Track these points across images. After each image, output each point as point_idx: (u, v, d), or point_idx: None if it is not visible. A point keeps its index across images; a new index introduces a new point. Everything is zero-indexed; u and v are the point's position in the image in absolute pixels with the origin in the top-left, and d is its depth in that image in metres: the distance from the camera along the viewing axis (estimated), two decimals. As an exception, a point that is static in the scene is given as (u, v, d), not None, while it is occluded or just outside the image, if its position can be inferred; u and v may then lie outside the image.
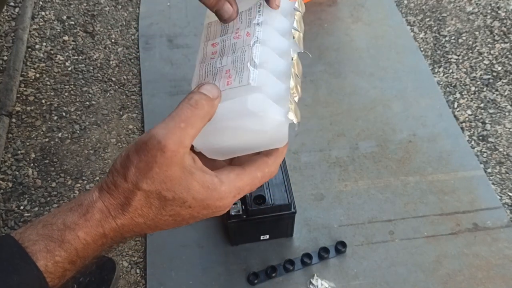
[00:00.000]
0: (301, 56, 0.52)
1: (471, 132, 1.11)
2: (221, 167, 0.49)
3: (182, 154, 0.43)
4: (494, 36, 1.29)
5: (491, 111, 1.14)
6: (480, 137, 1.10)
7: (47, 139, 1.09)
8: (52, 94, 1.17)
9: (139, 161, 0.43)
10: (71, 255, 0.44)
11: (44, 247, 0.43)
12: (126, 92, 1.18)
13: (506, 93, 1.17)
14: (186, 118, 0.43)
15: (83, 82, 1.19)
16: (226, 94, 0.46)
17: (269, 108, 0.45)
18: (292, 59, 0.49)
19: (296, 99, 0.48)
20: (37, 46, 1.26)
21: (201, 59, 0.51)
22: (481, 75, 1.21)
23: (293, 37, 0.51)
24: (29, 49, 1.25)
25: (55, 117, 1.13)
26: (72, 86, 1.18)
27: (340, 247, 0.91)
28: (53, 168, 1.04)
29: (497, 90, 1.18)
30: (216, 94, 0.45)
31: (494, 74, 1.21)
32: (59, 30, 1.30)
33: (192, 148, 0.46)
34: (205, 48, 0.52)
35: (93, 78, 1.20)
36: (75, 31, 1.30)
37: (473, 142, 1.09)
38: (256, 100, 0.45)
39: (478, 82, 1.20)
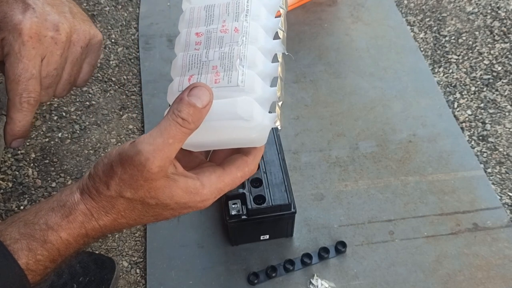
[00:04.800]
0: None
1: (471, 132, 1.11)
2: (199, 161, 0.51)
3: (167, 167, 0.44)
4: (494, 36, 1.29)
5: (491, 111, 1.14)
6: (480, 137, 1.10)
7: (47, 139, 1.09)
8: (52, 94, 1.17)
9: (124, 173, 0.43)
10: (52, 254, 0.45)
11: (26, 246, 0.43)
12: (126, 92, 1.18)
13: (506, 93, 1.17)
14: (174, 135, 0.43)
15: (83, 82, 1.19)
16: (214, 92, 0.46)
17: (257, 113, 0.46)
18: (278, 61, 0.49)
19: (280, 103, 0.48)
20: (37, 46, 1.26)
21: (183, 47, 0.50)
22: (481, 75, 1.21)
23: (279, 37, 0.50)
24: (29, 49, 1.25)
25: (55, 117, 1.13)
26: (72, 86, 1.18)
27: (340, 247, 0.91)
28: (53, 168, 1.05)
29: (497, 90, 1.18)
30: (206, 102, 0.44)
31: (494, 74, 1.21)
32: (59, 30, 1.30)
33: None
34: (189, 35, 0.51)
35: (93, 78, 1.20)
36: (75, 31, 1.30)
37: (473, 142, 1.09)
38: (245, 103, 0.45)
39: (478, 82, 1.20)
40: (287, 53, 0.51)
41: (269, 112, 0.48)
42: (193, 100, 0.44)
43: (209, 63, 0.48)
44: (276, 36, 0.51)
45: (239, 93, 0.46)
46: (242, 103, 0.45)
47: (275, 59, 0.51)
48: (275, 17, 0.53)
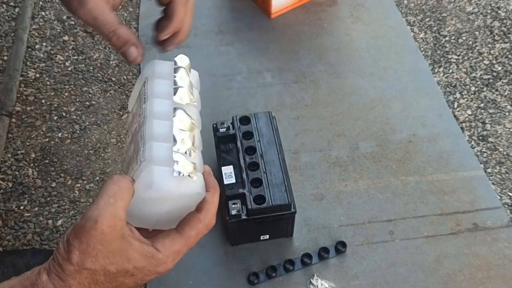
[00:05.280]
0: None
1: (471, 132, 1.11)
2: (158, 231, 0.53)
3: (120, 226, 0.46)
4: (494, 36, 1.29)
5: (491, 111, 1.14)
6: (480, 137, 1.10)
7: (47, 139, 1.09)
8: (52, 94, 1.17)
9: (81, 243, 0.45)
10: None
11: None
12: (126, 92, 1.18)
13: (506, 93, 1.17)
14: (113, 194, 0.46)
15: (83, 82, 1.19)
16: (135, 178, 0.49)
17: (155, 174, 0.48)
18: (173, 116, 0.51)
19: (186, 149, 0.50)
20: (37, 46, 1.26)
21: (125, 153, 0.55)
22: (481, 75, 1.21)
23: (174, 94, 0.53)
24: (29, 49, 1.25)
25: (55, 117, 1.13)
26: (72, 86, 1.18)
27: (340, 247, 0.91)
28: (53, 168, 1.04)
29: (497, 90, 1.18)
30: (129, 180, 0.48)
31: (494, 74, 1.21)
32: (59, 30, 1.30)
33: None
34: (126, 141, 0.56)
35: (93, 78, 1.20)
36: (75, 31, 1.30)
37: (473, 142, 1.09)
38: (146, 173, 0.48)
39: (478, 82, 1.20)
40: (192, 103, 0.53)
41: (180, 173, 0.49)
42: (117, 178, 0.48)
43: (131, 156, 0.52)
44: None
45: (143, 168, 0.49)
46: (142, 175, 0.48)
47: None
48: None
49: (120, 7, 1.36)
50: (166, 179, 0.48)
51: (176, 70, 0.54)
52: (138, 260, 0.47)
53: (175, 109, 0.51)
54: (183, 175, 0.48)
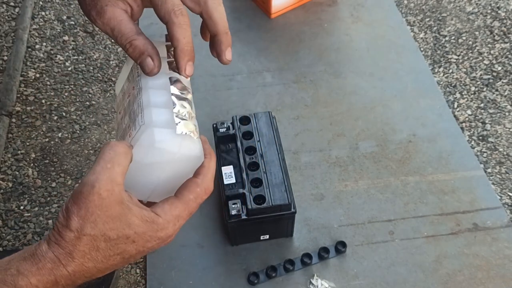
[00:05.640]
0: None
1: (471, 132, 1.11)
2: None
3: (118, 191, 0.46)
4: (494, 36, 1.29)
5: (491, 111, 1.14)
6: (480, 137, 1.10)
7: (47, 139, 1.09)
8: (52, 94, 1.17)
9: (79, 209, 0.45)
10: None
11: None
12: (126, 92, 1.18)
13: (506, 93, 1.17)
14: (110, 159, 0.46)
15: (83, 82, 1.19)
16: (133, 143, 0.51)
17: (157, 134, 0.49)
18: (171, 84, 0.54)
19: (186, 115, 0.52)
20: (37, 46, 1.26)
21: (116, 130, 0.57)
22: (481, 75, 1.21)
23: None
24: (29, 49, 1.25)
25: (55, 117, 1.13)
26: (72, 86, 1.18)
27: (340, 247, 0.91)
28: (53, 168, 1.04)
29: (497, 90, 1.18)
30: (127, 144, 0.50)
31: (494, 74, 1.21)
32: (59, 30, 1.30)
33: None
34: (117, 118, 0.58)
35: (93, 78, 1.20)
36: (75, 31, 1.30)
37: (473, 142, 1.09)
38: (146, 135, 0.49)
39: (478, 82, 1.20)
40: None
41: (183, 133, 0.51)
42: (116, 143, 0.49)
43: (126, 127, 0.54)
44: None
45: (142, 131, 0.50)
46: (143, 136, 0.49)
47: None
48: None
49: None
50: (169, 139, 0.49)
51: (168, 47, 0.58)
52: (139, 225, 0.47)
53: (171, 78, 0.54)
54: (186, 133, 0.49)
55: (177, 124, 0.49)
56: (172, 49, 0.58)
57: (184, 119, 0.51)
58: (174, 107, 0.51)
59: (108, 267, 0.48)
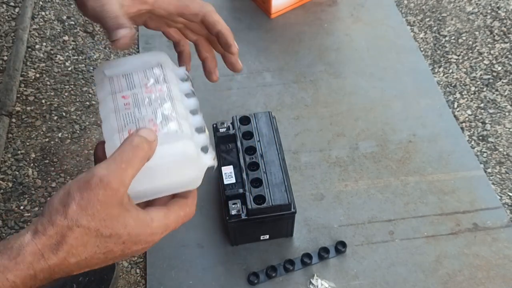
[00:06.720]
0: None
1: (471, 132, 1.11)
2: (144, 206, 0.54)
3: (122, 193, 0.46)
4: (494, 36, 1.29)
5: (491, 111, 1.14)
6: (480, 137, 1.10)
7: (47, 139, 1.09)
8: (52, 94, 1.17)
9: (81, 198, 0.44)
10: None
11: None
12: (126, 92, 1.18)
13: (506, 93, 1.17)
14: (127, 160, 0.46)
15: (83, 82, 1.19)
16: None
17: (197, 154, 0.52)
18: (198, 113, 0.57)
19: (205, 127, 0.56)
20: (37, 46, 1.26)
21: (113, 110, 0.55)
22: (481, 75, 1.21)
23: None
24: (29, 49, 1.25)
25: (55, 117, 1.13)
26: (72, 86, 1.18)
27: (340, 247, 0.91)
28: (53, 168, 1.05)
29: (497, 90, 1.18)
30: (153, 137, 0.49)
31: (494, 74, 1.21)
32: (59, 30, 1.30)
33: None
34: (115, 100, 0.56)
35: (93, 78, 1.20)
36: (75, 31, 1.30)
37: (473, 142, 1.09)
38: (189, 146, 0.51)
39: (478, 82, 1.20)
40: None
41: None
42: (144, 134, 0.48)
43: (144, 117, 0.53)
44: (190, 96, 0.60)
45: (177, 139, 0.51)
46: (186, 146, 0.51)
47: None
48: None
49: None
50: (200, 157, 0.53)
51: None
52: (133, 227, 0.47)
53: (188, 95, 0.58)
54: (214, 160, 0.54)
55: (208, 150, 0.54)
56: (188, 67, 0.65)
57: (206, 135, 0.55)
58: (205, 130, 0.55)
59: (89, 265, 0.47)
